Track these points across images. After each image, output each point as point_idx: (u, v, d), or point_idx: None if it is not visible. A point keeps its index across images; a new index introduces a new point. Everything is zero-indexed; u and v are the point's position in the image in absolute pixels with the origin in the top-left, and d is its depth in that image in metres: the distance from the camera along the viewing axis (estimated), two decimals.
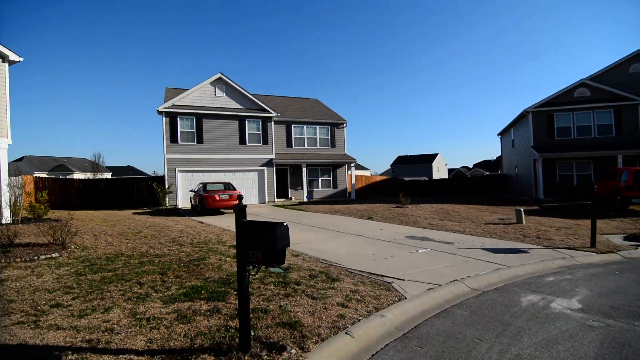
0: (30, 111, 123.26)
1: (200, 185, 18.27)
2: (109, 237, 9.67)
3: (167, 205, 20.96)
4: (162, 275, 5.99)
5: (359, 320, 4.16)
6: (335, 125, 27.10)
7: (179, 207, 21.00)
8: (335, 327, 3.94)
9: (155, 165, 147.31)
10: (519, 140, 27.40)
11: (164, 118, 21.52)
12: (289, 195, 25.64)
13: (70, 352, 3.34)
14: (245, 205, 3.20)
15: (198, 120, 22.22)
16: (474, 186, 33.18)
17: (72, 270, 6.25)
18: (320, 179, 26.60)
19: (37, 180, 21.72)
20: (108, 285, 5.43)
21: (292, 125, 25.82)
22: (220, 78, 22.80)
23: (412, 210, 16.78)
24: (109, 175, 61.67)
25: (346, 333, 3.79)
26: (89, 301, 4.75)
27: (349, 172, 27.22)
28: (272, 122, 24.13)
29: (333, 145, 27.03)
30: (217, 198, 16.27)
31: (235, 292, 5.04)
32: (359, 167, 48.62)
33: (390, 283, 5.62)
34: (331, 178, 26.92)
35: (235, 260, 7.04)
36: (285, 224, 2.80)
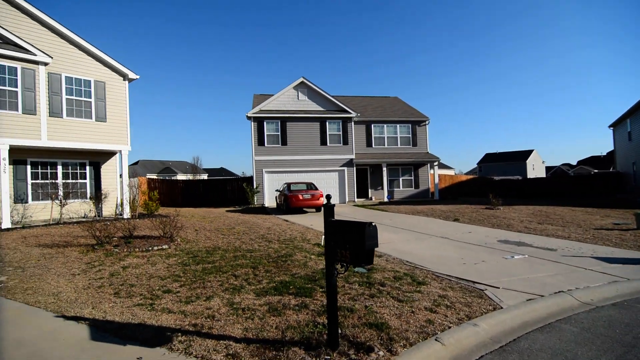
0: (143, 119, 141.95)
1: (285, 185, 19.16)
2: (207, 232, 10.69)
3: (255, 203, 22.41)
4: (254, 269, 6.41)
5: (449, 327, 3.95)
6: (416, 123, 26.19)
7: (266, 205, 22.29)
8: (424, 332, 3.79)
9: (244, 167, 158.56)
10: (638, 131, 23.37)
11: (252, 123, 23.06)
12: (369, 195, 25.50)
13: (179, 334, 3.76)
14: (334, 205, 3.26)
15: (282, 123, 23.33)
16: (579, 186, 29.25)
17: (179, 261, 7.04)
18: (401, 179, 25.95)
19: (149, 181, 24.97)
20: (208, 275, 6.00)
21: (372, 125, 25.62)
22: (302, 82, 23.63)
23: (504, 212, 15.43)
24: (205, 176, 68.24)
25: (436, 340, 3.62)
26: (193, 289, 5.30)
27: (432, 171, 26.07)
28: (352, 123, 24.25)
29: (414, 144, 26.15)
30: (301, 197, 16.90)
31: (321, 289, 5.18)
32: (442, 166, 46.36)
33: (482, 290, 5.24)
34: (412, 178, 26.08)
35: (320, 258, 7.25)
36: (373, 224, 2.79)
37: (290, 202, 16.93)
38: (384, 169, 24.57)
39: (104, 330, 3.87)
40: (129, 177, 15.04)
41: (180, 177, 63.00)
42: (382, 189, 25.05)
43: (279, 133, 23.37)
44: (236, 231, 11.07)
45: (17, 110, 11.97)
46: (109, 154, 15.10)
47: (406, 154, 25.60)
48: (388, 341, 3.55)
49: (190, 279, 5.84)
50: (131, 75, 14.76)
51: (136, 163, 68.92)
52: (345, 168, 23.93)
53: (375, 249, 2.98)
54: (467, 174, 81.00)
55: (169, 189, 26.05)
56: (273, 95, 23.67)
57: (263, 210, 19.53)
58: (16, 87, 11.99)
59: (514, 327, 4.15)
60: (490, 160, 75.70)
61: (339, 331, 3.57)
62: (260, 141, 23.09)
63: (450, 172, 66.62)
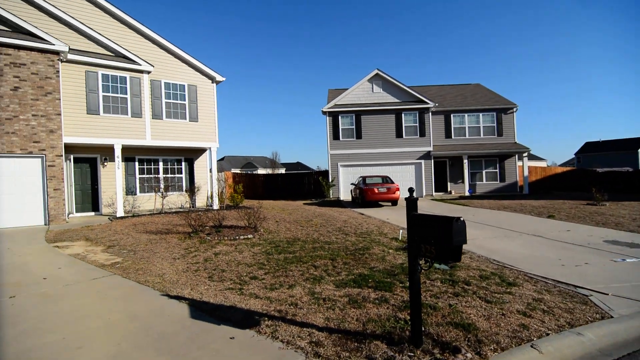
0: (227, 117, 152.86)
1: (360, 178, 19.13)
2: (287, 224, 11.18)
3: (331, 197, 22.79)
4: (332, 260, 6.54)
5: (547, 334, 3.59)
6: (502, 110, 24.09)
7: (341, 199, 22.53)
8: (517, 337, 3.50)
9: (320, 161, 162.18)
10: None
11: (327, 117, 23.40)
12: (448, 189, 24.24)
13: (266, 318, 4.00)
14: (416, 198, 3.16)
15: (357, 117, 23.27)
16: None
17: (263, 250, 7.48)
18: (484, 172, 24.17)
19: (234, 175, 26.90)
20: (290, 265, 6.28)
21: (451, 115, 24.22)
22: (377, 74, 23.25)
23: (610, 209, 13.47)
24: (283, 170, 71.33)
25: (532, 346, 3.32)
26: (277, 277, 5.59)
27: (520, 163, 23.78)
28: (429, 113, 23.20)
29: (500, 134, 24.10)
30: (376, 191, 16.73)
31: (401, 284, 5.08)
32: (532, 157, 41.99)
33: (587, 296, 4.65)
34: (497, 170, 24.10)
35: (398, 253, 7.11)
36: (462, 218, 2.64)
37: (366, 195, 16.86)
38: (465, 161, 23.10)
39: (201, 310, 4.29)
40: (217, 171, 16.35)
41: (261, 171, 66.75)
42: (463, 182, 23.61)
43: (354, 127, 23.35)
44: (314, 223, 11.38)
45: (127, 114, 13.79)
46: (200, 151, 16.59)
47: (490, 145, 23.73)
48: (476, 343, 3.35)
49: (274, 267, 6.16)
50: (218, 77, 15.99)
51: (222, 159, 74.72)
52: (422, 161, 23.04)
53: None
54: (562, 165, 72.29)
55: (251, 182, 27.76)
56: (347, 89, 23.69)
57: (338, 203, 19.76)
58: (126, 94, 13.79)
59: (628, 340, 3.62)
60: (591, 149, 66.40)
61: (422, 329, 3.47)
62: (335, 135, 23.33)
63: (542, 164, 60.09)
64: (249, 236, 8.82)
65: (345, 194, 23.14)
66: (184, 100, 15.26)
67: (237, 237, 8.64)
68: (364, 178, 18.60)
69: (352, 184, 20.81)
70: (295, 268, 6.09)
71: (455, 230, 2.62)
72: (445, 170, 24.48)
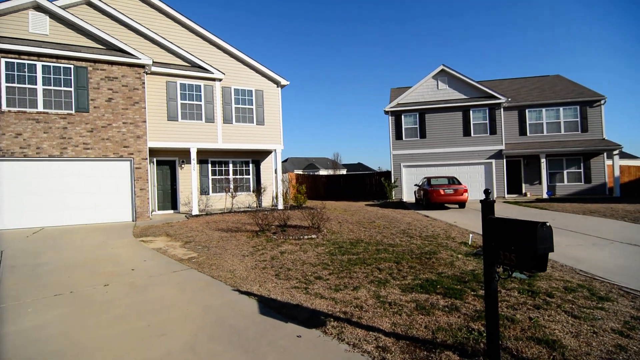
0: (290, 119, 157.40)
1: (425, 179, 18.47)
2: (349, 225, 11.16)
3: (393, 198, 22.31)
4: (397, 264, 6.38)
5: None
6: (586, 103, 21.60)
7: (404, 200, 21.95)
8: None
9: (381, 162, 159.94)
10: None
11: (389, 117, 22.97)
12: (523, 191, 22.35)
13: (331, 319, 4.02)
14: (493, 201, 2.95)
15: (421, 115, 22.50)
16: None
17: (326, 250, 7.55)
18: (565, 172, 21.89)
19: (297, 176, 27.60)
20: (353, 266, 6.25)
21: (527, 110, 22.32)
22: (442, 70, 22.27)
23: None
24: (344, 171, 71.55)
25: None
26: (341, 278, 5.60)
27: (610, 161, 21.09)
28: (501, 109, 21.61)
29: (584, 129, 21.64)
30: (442, 192, 16.02)
31: (472, 292, 4.79)
32: (624, 155, 36.95)
33: None
34: (582, 170, 21.66)
35: (468, 258, 6.72)
36: (548, 224, 2.40)
37: (431, 197, 16.22)
38: (543, 160, 21.13)
39: (269, 307, 4.44)
40: (282, 172, 16.88)
41: (322, 172, 67.67)
42: (540, 183, 21.62)
43: (417, 126, 22.61)
44: (376, 225, 11.22)
45: (201, 120, 14.85)
46: (266, 153, 17.28)
47: (573, 142, 21.42)
48: None
49: (338, 268, 6.18)
50: (283, 82, 16.53)
51: (286, 160, 77.10)
52: (493, 160, 21.54)
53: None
54: None
55: (313, 183, 28.25)
56: (411, 87, 23.01)
57: (401, 204, 19.27)
58: (200, 101, 14.86)
59: None
60: None
61: (500, 342, 3.23)
62: (398, 135, 22.80)
63: (637, 163, 52.81)
64: (313, 236, 8.96)
65: (408, 195, 22.49)
66: (252, 104, 16.02)
67: (302, 237, 8.83)
68: (428, 179, 17.91)
69: (415, 185, 20.16)
70: (359, 270, 6.04)
71: (540, 237, 2.39)
72: (519, 170, 22.63)
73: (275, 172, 17.24)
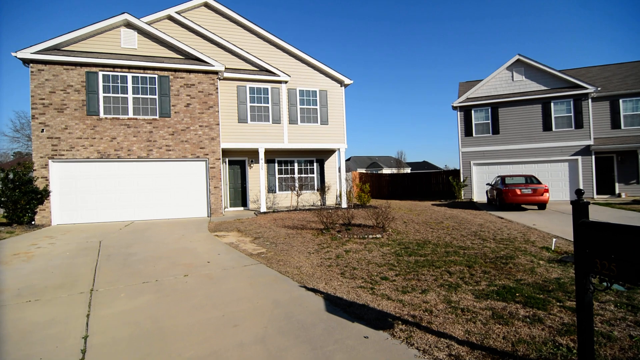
0: (353, 118, 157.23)
1: (498, 178, 17.20)
2: (415, 225, 10.81)
3: (462, 197, 21.15)
4: (469, 268, 6.01)
5: None
6: None
7: (474, 200, 20.68)
8: None
9: (448, 159, 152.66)
10: None
11: (458, 113, 21.79)
12: (616, 191, 19.73)
13: (399, 322, 3.91)
14: (587, 202, 2.62)
15: (493, 110, 20.99)
16: None
17: (392, 251, 7.38)
18: None
19: (360, 175, 27.45)
20: (421, 268, 6.03)
21: (620, 100, 19.64)
22: (518, 60, 20.52)
23: None
24: (408, 170, 69.62)
25: None
26: (408, 280, 5.43)
27: None
28: (588, 100, 19.28)
29: None
30: (519, 192, 14.78)
31: (558, 303, 4.33)
32: None
33: None
34: None
35: (552, 265, 6.11)
36: None
37: (505, 197, 15.05)
38: None
39: (335, 305, 4.45)
40: (345, 171, 16.91)
41: (385, 171, 66.53)
42: (638, 182, 18.93)
43: (489, 121, 21.12)
44: (445, 226, 10.71)
45: (269, 121, 15.46)
46: (330, 152, 17.44)
47: None
48: None
49: (404, 269, 6.01)
50: (346, 81, 16.55)
51: (349, 159, 77.18)
52: (579, 157, 19.32)
53: None
54: None
55: (376, 182, 27.87)
56: (481, 80, 21.57)
57: (471, 205, 18.17)
58: (268, 103, 15.47)
59: None
60: None
61: None
62: (468, 131, 21.53)
63: None
64: (378, 236, 8.82)
65: (478, 195, 21.14)
66: (316, 105, 16.27)
67: (366, 236, 8.75)
68: (502, 178, 16.64)
69: (487, 184, 18.86)
70: (428, 272, 5.80)
71: None
72: (611, 168, 20.02)
73: (339, 171, 17.33)
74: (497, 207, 15.90)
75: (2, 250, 7.71)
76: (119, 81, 13.13)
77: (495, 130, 21.04)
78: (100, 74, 12.93)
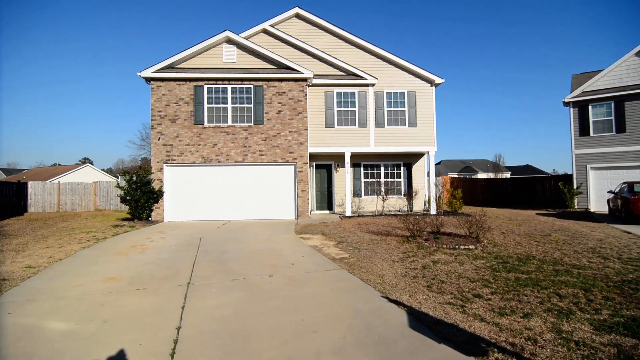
0: (444, 120, 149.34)
1: (624, 185, 14.49)
2: (516, 237, 9.66)
3: (575, 207, 18.34)
4: (585, 291, 5.09)
5: None
6: None
7: (591, 210, 17.77)
8: None
9: (555, 163, 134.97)
10: None
11: (571, 109, 19.00)
12: None
13: (495, 349, 3.44)
14: None
15: (617, 104, 17.80)
16: None
17: (487, 265, 6.67)
18: None
19: (452, 179, 25.78)
20: (523, 287, 5.30)
21: None
22: None
23: None
24: (507, 175, 63.35)
25: None
26: (506, 300, 4.80)
27: None
28: None
29: None
30: None
31: None
32: None
33: None
34: None
35: None
36: None
37: (634, 207, 12.57)
38: None
39: (419, 321, 4.13)
40: (435, 176, 16.01)
41: (481, 175, 61.51)
42: None
43: (612, 117, 17.94)
44: (553, 239, 9.36)
45: (355, 125, 15.47)
46: (418, 155, 16.70)
47: None
48: None
49: (502, 287, 5.35)
50: (437, 80, 15.69)
51: (439, 163, 73.35)
52: None
53: None
54: None
55: (470, 187, 25.83)
56: (602, 71, 18.46)
57: (587, 215, 15.63)
58: (354, 107, 15.49)
59: None
60: None
61: None
62: (583, 130, 18.62)
63: None
64: (470, 247, 8.08)
65: (597, 204, 18.09)
66: (404, 107, 15.75)
67: (457, 247, 8.08)
68: (630, 185, 13.95)
69: (609, 191, 16.02)
70: (531, 293, 5.07)
71: None
72: None
73: (428, 175, 16.47)
74: (623, 220, 13.37)
75: (124, 242, 9.01)
76: (220, 92, 14.44)
77: (620, 128, 17.81)
78: (205, 87, 14.37)
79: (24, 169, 60.67)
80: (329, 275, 6.06)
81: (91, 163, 57.25)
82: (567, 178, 20.17)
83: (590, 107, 18.50)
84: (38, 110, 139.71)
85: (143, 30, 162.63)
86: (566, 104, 19.28)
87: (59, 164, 57.35)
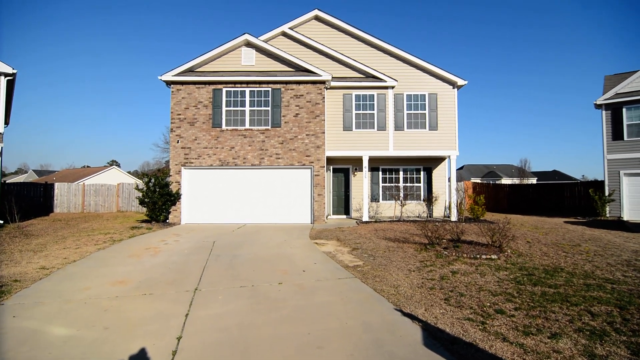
0: (466, 124, 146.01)
1: None
2: (542, 246, 9.10)
3: (607, 215, 17.33)
4: (621, 309, 4.63)
5: None
6: None
7: (624, 219, 16.74)
8: None
9: (585, 169, 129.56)
10: None
11: (603, 112, 18.03)
12: None
13: None
14: None
15: None
16: None
17: (511, 277, 6.24)
18: None
19: (474, 185, 24.97)
20: (551, 303, 4.88)
21: None
22: None
23: None
24: (533, 181, 61.17)
25: None
26: (532, 317, 4.42)
27: None
28: None
29: None
30: None
31: None
32: None
33: None
34: None
35: None
36: None
37: None
38: None
39: (435, 338, 3.83)
40: (456, 181, 15.48)
41: (505, 181, 59.59)
42: None
43: None
44: (583, 250, 8.76)
45: (373, 128, 15.15)
46: (439, 160, 16.20)
47: None
48: None
49: (527, 302, 4.95)
50: (460, 82, 15.17)
51: (461, 168, 71.62)
52: None
53: None
54: None
55: (493, 193, 24.94)
56: (637, 71, 17.43)
57: (620, 225, 14.69)
58: (373, 110, 15.18)
59: None
60: None
61: None
62: (616, 134, 17.61)
63: None
64: (493, 256, 7.64)
65: (631, 213, 17.02)
66: (424, 109, 15.31)
67: (478, 256, 7.65)
68: None
69: None
70: (560, 310, 4.66)
71: None
72: None
73: (449, 181, 15.94)
74: None
75: (139, 245, 9.03)
76: (238, 96, 14.46)
77: None
78: (224, 90, 14.42)
79: (56, 171, 63.26)
80: (340, 284, 5.80)
81: (118, 165, 59.07)
82: (598, 184, 19.13)
83: (624, 109, 17.50)
84: (72, 113, 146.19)
85: (163, 32, 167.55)
86: (598, 106, 18.32)
87: (88, 166, 59.44)
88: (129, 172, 52.12)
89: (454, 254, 7.91)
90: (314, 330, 4.02)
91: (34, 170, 64.61)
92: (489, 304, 4.88)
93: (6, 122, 17.71)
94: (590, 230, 12.85)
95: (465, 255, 7.78)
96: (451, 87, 15.39)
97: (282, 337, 3.87)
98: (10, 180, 52.06)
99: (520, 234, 11.05)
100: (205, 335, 3.90)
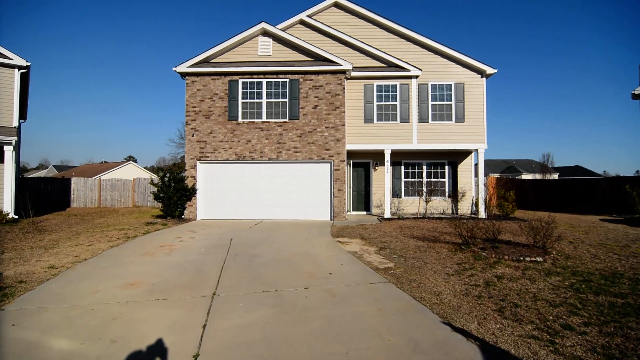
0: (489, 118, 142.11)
1: None
2: (589, 247, 8.28)
3: None
4: None
5: None
6: None
7: None
8: None
9: (607, 164, 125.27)
10: None
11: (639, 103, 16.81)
12: None
13: None
14: None
15: None
16: None
17: (566, 283, 5.51)
18: None
19: (498, 180, 23.92)
20: (624, 317, 4.15)
21: None
22: None
23: None
24: (555, 176, 59.18)
25: None
26: (608, 335, 3.72)
27: None
28: None
29: None
30: None
31: None
32: None
33: None
34: None
35: None
36: None
37: None
38: None
39: None
40: (484, 176, 14.60)
41: (525, 176, 57.75)
42: None
43: None
44: (635, 251, 7.91)
45: (396, 120, 14.39)
46: (465, 154, 15.36)
47: None
48: None
49: (596, 315, 4.24)
50: (489, 70, 14.25)
51: (477, 164, 69.81)
52: None
53: None
54: None
55: (516, 188, 23.79)
56: None
57: None
58: (396, 101, 14.41)
59: None
60: None
61: None
62: None
63: None
64: (538, 259, 6.89)
65: None
66: (450, 100, 14.46)
67: (521, 258, 6.92)
68: None
69: None
70: (638, 326, 3.94)
71: None
72: None
73: (476, 175, 15.10)
74: None
75: (153, 242, 8.59)
76: (255, 87, 13.90)
77: None
78: (240, 81, 13.88)
79: (75, 166, 64.32)
80: (374, 290, 5.18)
81: (135, 161, 59.59)
82: (636, 180, 17.92)
83: None
84: (93, 110, 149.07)
85: (176, 26, 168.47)
86: (635, 96, 17.08)
87: (106, 162, 60.21)
88: (145, 168, 52.47)
89: (493, 255, 7.19)
90: (352, 350, 3.41)
91: (54, 166, 65.83)
92: (551, 318, 4.19)
93: (23, 117, 17.64)
94: (632, 229, 11.89)
95: (506, 257, 7.05)
96: (479, 76, 14.49)
97: (316, 357, 3.28)
98: (31, 175, 53.12)
99: (557, 233, 10.20)
100: (226, 353, 3.35)
